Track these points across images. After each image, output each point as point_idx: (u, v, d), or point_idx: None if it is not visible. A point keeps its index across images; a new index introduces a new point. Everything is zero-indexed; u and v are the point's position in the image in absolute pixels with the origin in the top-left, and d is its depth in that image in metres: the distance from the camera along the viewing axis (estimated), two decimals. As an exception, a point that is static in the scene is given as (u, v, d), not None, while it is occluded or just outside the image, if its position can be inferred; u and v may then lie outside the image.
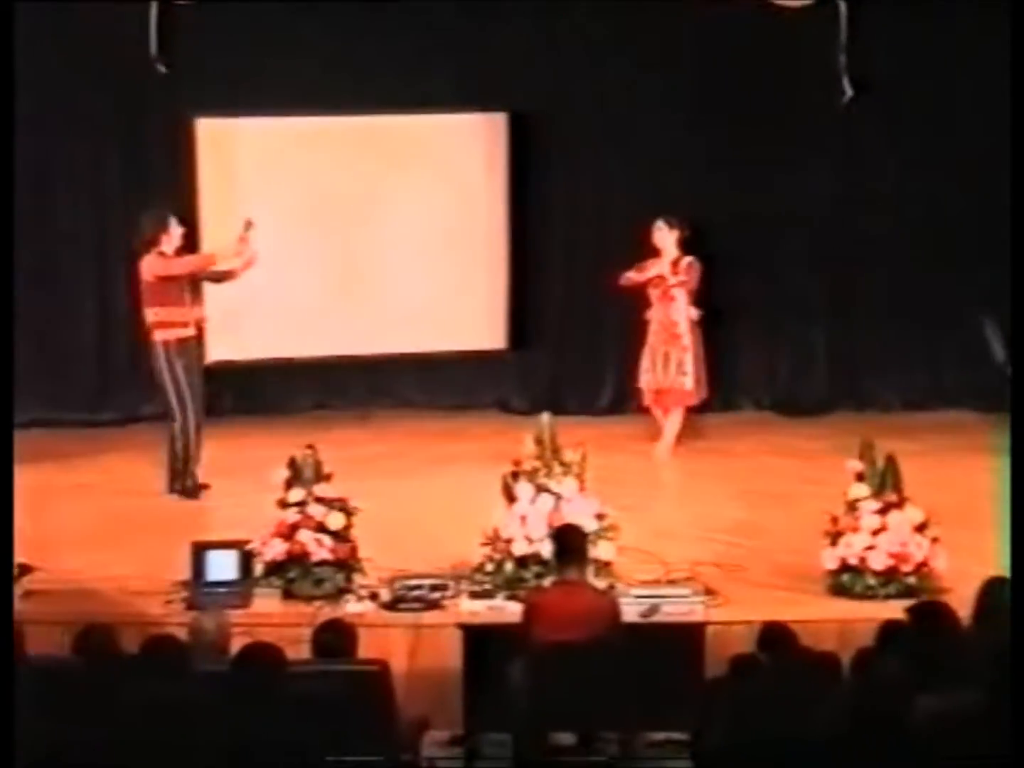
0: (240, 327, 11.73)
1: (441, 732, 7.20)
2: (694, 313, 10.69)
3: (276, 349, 11.71)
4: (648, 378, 10.73)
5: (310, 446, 8.17)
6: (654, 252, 10.77)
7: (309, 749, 5.65)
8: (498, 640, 7.46)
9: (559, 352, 12.19)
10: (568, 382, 12.10)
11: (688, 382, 10.62)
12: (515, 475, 8.08)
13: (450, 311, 11.80)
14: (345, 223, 11.73)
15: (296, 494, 8.06)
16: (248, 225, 10.06)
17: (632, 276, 10.66)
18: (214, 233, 11.63)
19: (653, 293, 10.71)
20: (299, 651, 6.85)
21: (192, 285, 10.05)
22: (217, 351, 11.71)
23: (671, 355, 10.65)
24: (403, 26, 11.50)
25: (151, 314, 9.95)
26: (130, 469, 10.34)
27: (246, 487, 9.28)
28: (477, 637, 7.67)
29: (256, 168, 11.66)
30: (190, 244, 10.32)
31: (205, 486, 10.10)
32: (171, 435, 10.02)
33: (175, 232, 9.97)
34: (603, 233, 11.99)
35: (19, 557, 7.99)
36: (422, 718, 6.83)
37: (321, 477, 8.12)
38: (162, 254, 9.94)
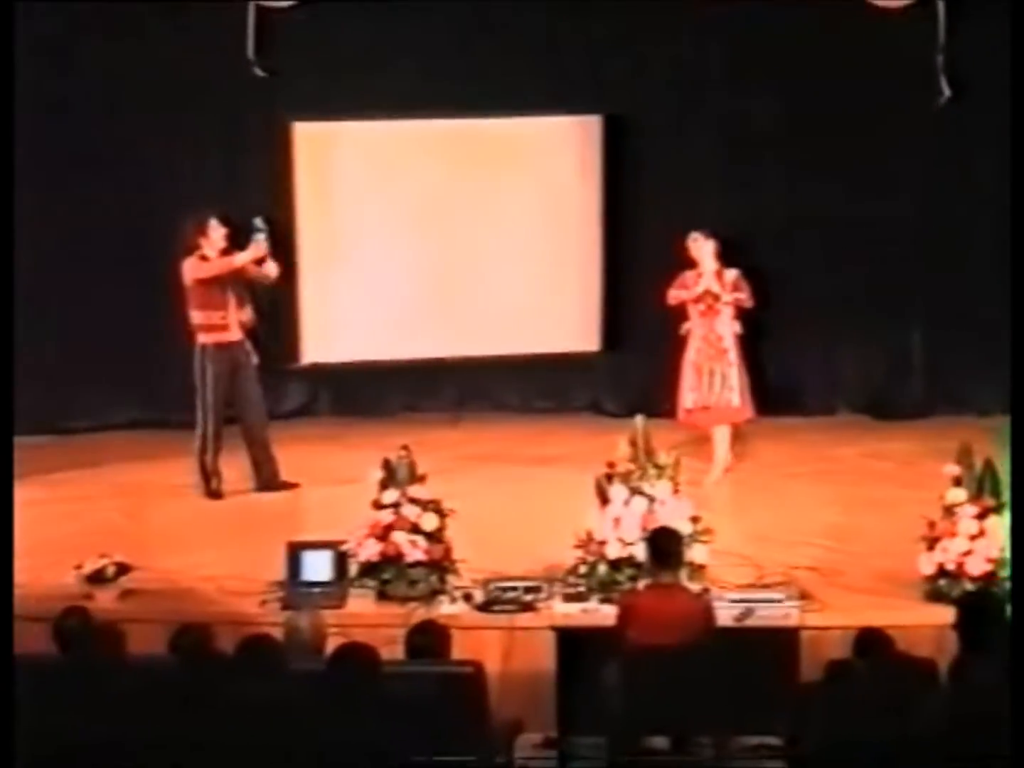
0: (335, 330, 11.82)
1: (534, 734, 7.20)
2: (738, 327, 10.34)
3: (371, 351, 11.77)
4: (694, 396, 10.28)
5: (404, 447, 8.19)
6: (690, 264, 10.48)
7: (403, 750, 5.67)
8: (592, 643, 7.44)
9: (653, 354, 12.13)
10: (661, 385, 12.05)
11: (735, 398, 10.26)
12: (609, 477, 8.06)
13: (544, 313, 11.80)
14: (440, 226, 11.76)
15: (390, 495, 8.09)
16: (258, 227, 10.02)
17: (680, 295, 10.32)
18: (310, 236, 11.74)
19: (696, 308, 10.31)
20: (393, 652, 6.87)
21: (237, 289, 10.08)
22: (312, 353, 11.82)
23: (716, 371, 10.28)
24: (499, 29, 11.52)
25: (195, 317, 10.03)
26: (227, 470, 10.41)
27: (341, 488, 9.33)
28: (570, 640, 7.66)
29: (352, 172, 11.73)
30: (239, 246, 10.30)
31: (293, 485, 10.16)
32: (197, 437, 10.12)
33: (215, 234, 10.00)
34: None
35: (117, 556, 8.10)
36: (516, 720, 6.82)
37: (415, 478, 8.14)
38: (203, 257, 10.01)
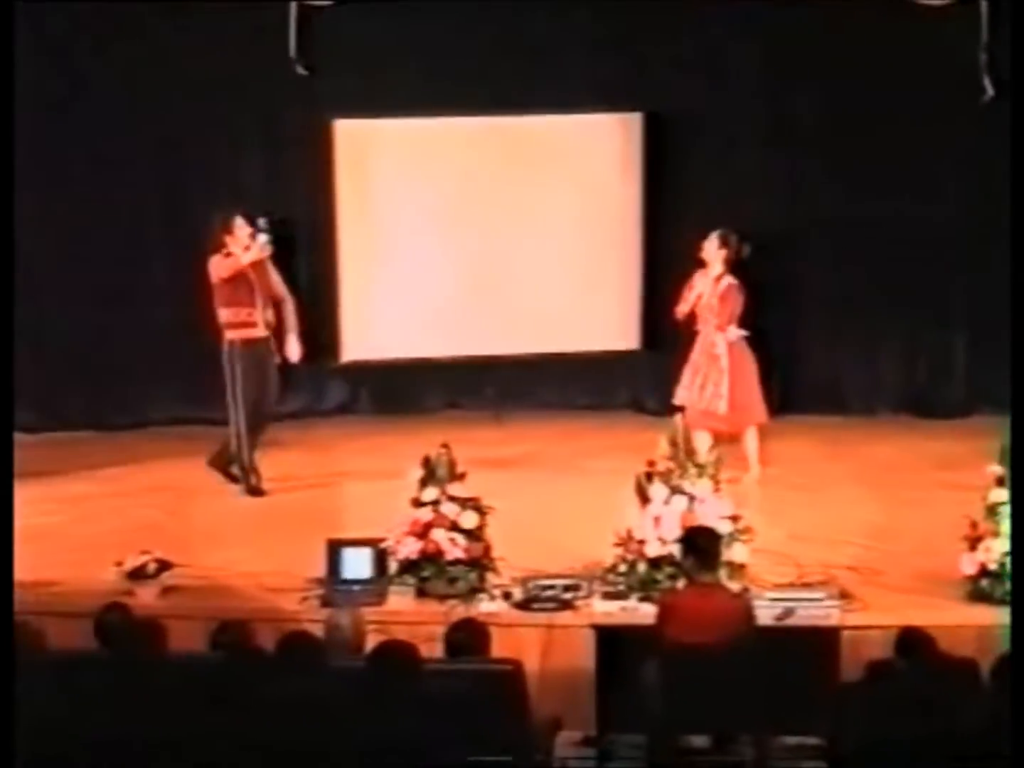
0: (375, 327, 11.84)
1: (574, 733, 7.19)
2: (733, 335, 10.14)
3: (411, 349, 11.78)
4: (684, 395, 10.13)
5: (444, 445, 8.19)
6: (700, 264, 10.41)
7: (442, 748, 5.67)
8: (631, 641, 7.43)
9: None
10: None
11: (722, 405, 10.05)
12: (649, 476, 8.04)
13: (584, 312, 11.79)
14: (480, 224, 11.77)
15: (430, 493, 8.09)
16: (260, 227, 10.04)
17: (682, 309, 10.22)
18: (350, 234, 11.76)
19: (700, 311, 10.22)
20: (432, 649, 6.88)
21: (265, 287, 10.11)
22: (353, 351, 11.84)
23: (710, 376, 10.13)
24: (539, 27, 11.51)
25: (221, 314, 10.06)
26: (268, 466, 10.45)
27: (381, 485, 9.34)
28: (610, 638, 7.65)
29: (392, 169, 11.75)
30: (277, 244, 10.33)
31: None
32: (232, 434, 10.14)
33: (241, 232, 10.02)
34: (737, 233, 11.91)
35: (158, 552, 8.13)
36: (555, 718, 6.82)
37: (455, 476, 8.14)
38: (228, 255, 10.04)
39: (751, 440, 10.20)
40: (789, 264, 12.00)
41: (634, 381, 12.16)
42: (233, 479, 10.13)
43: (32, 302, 11.71)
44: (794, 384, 12.06)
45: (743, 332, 10.19)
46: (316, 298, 11.91)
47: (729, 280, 10.22)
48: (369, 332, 11.83)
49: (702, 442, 9.80)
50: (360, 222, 11.77)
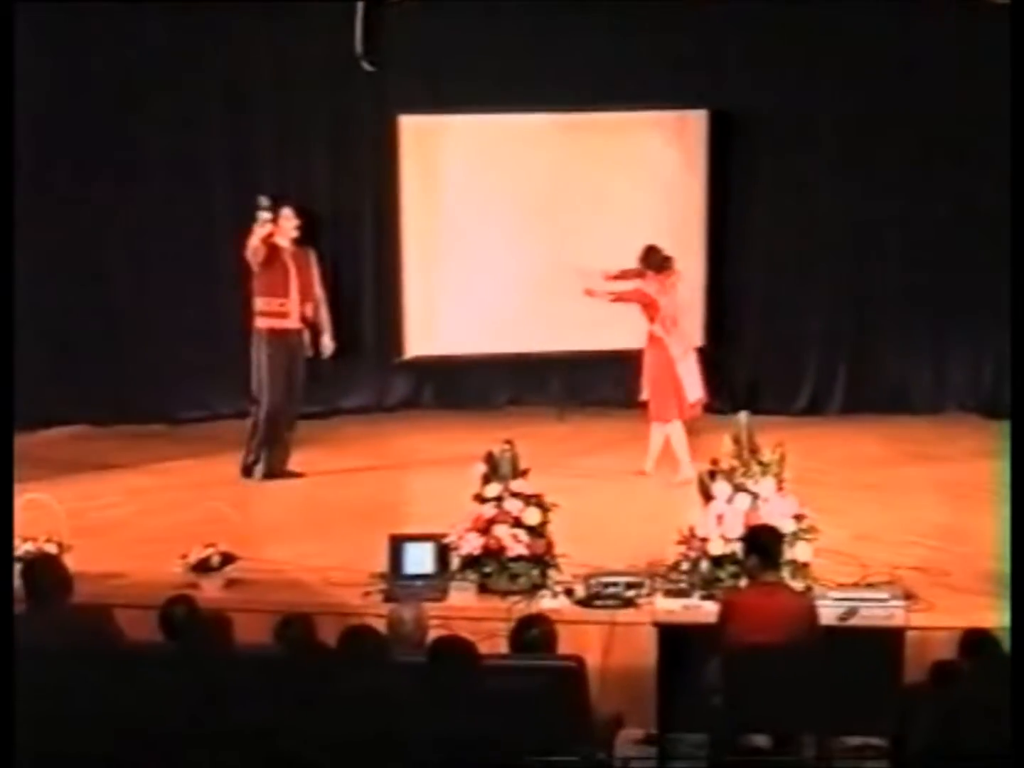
0: (440, 323, 11.86)
1: (635, 730, 7.17)
2: (655, 329, 10.33)
3: (475, 345, 11.80)
4: (696, 391, 10.41)
5: (508, 441, 8.20)
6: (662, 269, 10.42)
7: (502, 744, 5.66)
8: (693, 639, 7.40)
9: (757, 351, 12.09)
10: (766, 381, 12.00)
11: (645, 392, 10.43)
12: (712, 474, 8.01)
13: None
14: (545, 220, 11.77)
15: (493, 489, 8.09)
16: (260, 203, 10.08)
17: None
18: (415, 230, 11.79)
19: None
20: (494, 645, 6.89)
21: (303, 281, 10.18)
22: (417, 347, 11.87)
23: (691, 369, 10.41)
24: (606, 23, 11.50)
25: (255, 303, 10.17)
26: (332, 461, 10.50)
27: (444, 481, 9.36)
28: (672, 636, 7.61)
29: (458, 165, 11.77)
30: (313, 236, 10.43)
31: (299, 474, 10.27)
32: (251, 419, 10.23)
33: (288, 224, 10.09)
34: (804, 233, 11.88)
35: (223, 546, 8.18)
36: (617, 716, 6.81)
37: (518, 472, 8.14)
38: (263, 243, 10.10)
39: (676, 436, 10.26)
40: (857, 263, 11.95)
41: (698, 379, 12.13)
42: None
43: (103, 300, 11.85)
44: (861, 384, 12.01)
45: (657, 327, 10.26)
46: (381, 294, 11.97)
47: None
48: (434, 328, 11.86)
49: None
50: (426, 218, 11.80)
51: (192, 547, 8.18)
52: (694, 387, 10.35)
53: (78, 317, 11.82)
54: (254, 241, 10.07)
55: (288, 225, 10.14)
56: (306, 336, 10.28)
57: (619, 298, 10.38)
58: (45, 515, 8.29)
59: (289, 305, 10.15)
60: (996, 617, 7.34)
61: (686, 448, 10.19)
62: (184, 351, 11.82)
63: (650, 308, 10.31)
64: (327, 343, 10.36)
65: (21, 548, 8.08)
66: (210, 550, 8.14)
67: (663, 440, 10.33)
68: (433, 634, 6.78)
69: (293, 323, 10.18)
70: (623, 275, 10.45)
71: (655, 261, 10.35)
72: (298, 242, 10.24)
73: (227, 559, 8.15)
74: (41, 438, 11.58)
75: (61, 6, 11.12)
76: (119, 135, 11.58)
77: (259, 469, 10.27)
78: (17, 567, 7.45)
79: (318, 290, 10.34)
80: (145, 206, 11.72)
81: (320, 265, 10.47)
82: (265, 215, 10.06)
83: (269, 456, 10.30)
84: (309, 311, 10.25)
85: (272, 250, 10.08)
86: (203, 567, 8.09)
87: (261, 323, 10.15)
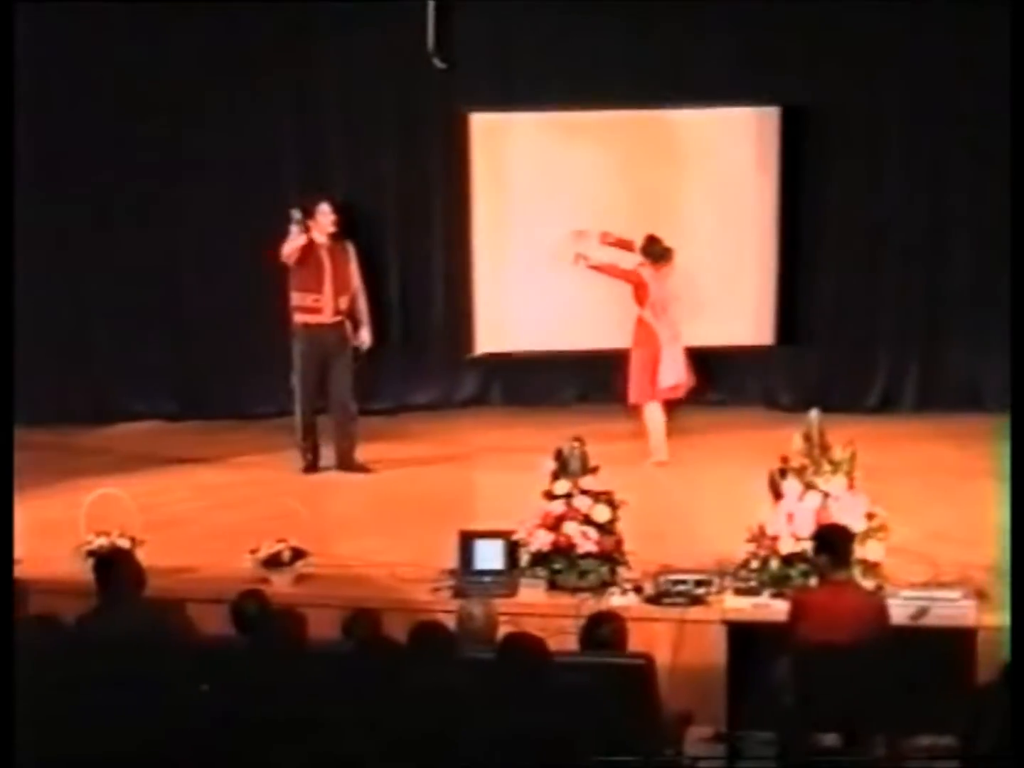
0: (509, 320, 11.87)
1: (704, 728, 7.16)
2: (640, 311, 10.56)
3: (544, 342, 11.80)
4: (674, 376, 10.60)
5: (577, 438, 8.19)
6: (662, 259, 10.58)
7: (572, 741, 5.67)
8: (763, 638, 7.39)
9: (828, 348, 12.02)
10: (836, 379, 11.92)
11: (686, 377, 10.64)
12: (782, 472, 7.98)
13: (719, 305, 11.70)
14: (614, 217, 11.73)
15: (562, 486, 8.10)
16: (294, 217, 10.21)
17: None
18: (485, 226, 11.79)
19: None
20: (563, 642, 6.89)
21: (338, 275, 10.25)
22: (486, 343, 11.88)
23: (677, 357, 10.58)
24: (674, 19, 11.46)
25: (292, 298, 10.28)
26: (400, 456, 10.54)
27: (513, 477, 9.37)
28: (741, 634, 7.60)
29: (527, 162, 11.76)
30: (352, 232, 10.52)
31: (369, 469, 10.35)
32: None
33: (324, 219, 10.21)
34: (876, 229, 11.81)
35: (293, 541, 8.22)
36: (686, 713, 6.79)
37: (587, 469, 8.14)
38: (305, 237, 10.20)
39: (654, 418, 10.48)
40: (928, 260, 11.86)
41: (768, 376, 12.09)
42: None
43: (173, 294, 11.94)
44: (933, 381, 11.92)
45: (647, 312, 10.47)
46: (450, 291, 11.98)
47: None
48: (502, 325, 11.86)
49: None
50: (495, 215, 11.80)
51: (262, 542, 8.23)
52: (672, 372, 10.49)
53: (150, 313, 11.91)
54: (287, 249, 10.20)
55: (325, 220, 10.23)
56: (348, 329, 10.34)
57: (604, 271, 10.63)
58: (118, 509, 8.37)
59: (323, 300, 10.22)
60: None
61: (663, 431, 10.48)
62: (254, 346, 11.87)
63: (640, 291, 10.50)
64: (364, 336, 10.47)
65: (95, 543, 8.17)
66: (280, 545, 8.19)
67: (662, 421, 10.50)
68: (502, 631, 6.80)
69: (327, 318, 10.25)
70: (620, 243, 10.71)
71: (655, 252, 10.55)
72: (335, 237, 10.30)
73: (297, 554, 8.20)
74: (114, 433, 11.69)
75: (121, 5, 11.24)
76: (187, 134, 11.66)
77: (313, 462, 10.34)
78: (89, 562, 7.55)
79: (356, 283, 10.42)
80: (215, 204, 11.79)
81: (360, 259, 10.55)
82: (295, 228, 10.18)
83: (336, 450, 10.39)
84: (344, 305, 10.31)
85: (307, 246, 10.16)
86: (273, 562, 8.14)
87: (298, 319, 10.24)
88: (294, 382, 10.37)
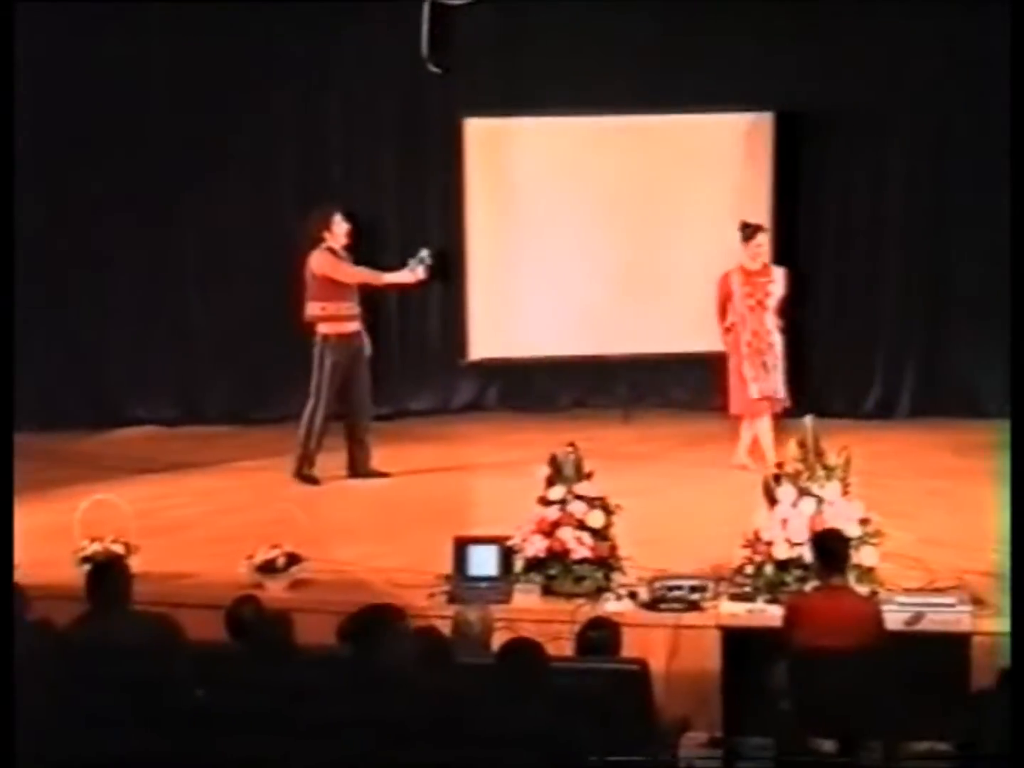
0: (505, 325, 11.88)
1: (700, 734, 7.15)
2: (780, 322, 10.43)
3: (541, 347, 11.81)
4: (758, 386, 10.42)
5: (572, 444, 8.20)
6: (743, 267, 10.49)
7: (568, 746, 5.67)
8: (758, 643, 7.38)
9: (825, 354, 12.04)
10: (834, 384, 11.94)
11: (783, 389, 10.42)
12: (777, 478, 7.98)
13: (715, 312, 11.70)
14: (612, 223, 11.77)
15: (557, 491, 8.10)
16: (423, 260, 10.24)
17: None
18: (481, 232, 11.81)
19: (745, 303, 10.46)
20: (558, 648, 6.89)
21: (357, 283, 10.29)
22: (481, 349, 11.89)
23: (768, 364, 10.38)
24: (674, 26, 11.48)
25: (317, 308, 10.20)
26: (398, 462, 10.53)
27: (508, 483, 9.38)
28: (737, 639, 7.60)
29: (524, 168, 11.78)
30: (359, 241, 10.46)
31: (384, 474, 10.31)
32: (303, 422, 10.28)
33: (339, 229, 10.17)
34: (871, 235, 11.83)
35: (289, 546, 8.22)
36: (682, 719, 6.80)
37: (582, 475, 8.14)
38: (331, 250, 10.19)
39: (767, 430, 10.33)
40: (925, 265, 11.87)
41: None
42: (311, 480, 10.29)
43: (175, 299, 11.95)
44: (930, 387, 11.93)
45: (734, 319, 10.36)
46: (447, 296, 12.00)
47: (783, 269, 10.46)
48: (499, 330, 11.88)
49: (766, 428, 10.37)
50: (492, 221, 11.83)
51: (259, 548, 8.23)
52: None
53: (149, 320, 11.92)
54: (391, 278, 10.30)
55: (340, 231, 10.21)
56: (366, 337, 10.35)
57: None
58: (114, 515, 8.37)
59: (354, 308, 10.22)
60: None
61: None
62: (253, 352, 11.90)
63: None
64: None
65: (89, 549, 8.17)
66: (276, 551, 8.19)
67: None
68: (498, 636, 6.80)
69: (356, 326, 10.25)
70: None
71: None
72: (349, 247, 10.30)
73: (292, 560, 8.19)
74: (112, 439, 11.70)
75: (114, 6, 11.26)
76: (188, 138, 11.67)
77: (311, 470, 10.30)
78: (85, 568, 7.55)
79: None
80: (213, 208, 11.82)
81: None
82: (341, 227, 10.17)
83: (350, 457, 10.37)
84: (361, 311, 10.32)
85: (333, 257, 10.16)
86: (269, 568, 8.14)
87: (327, 329, 10.20)
88: (318, 391, 10.25)
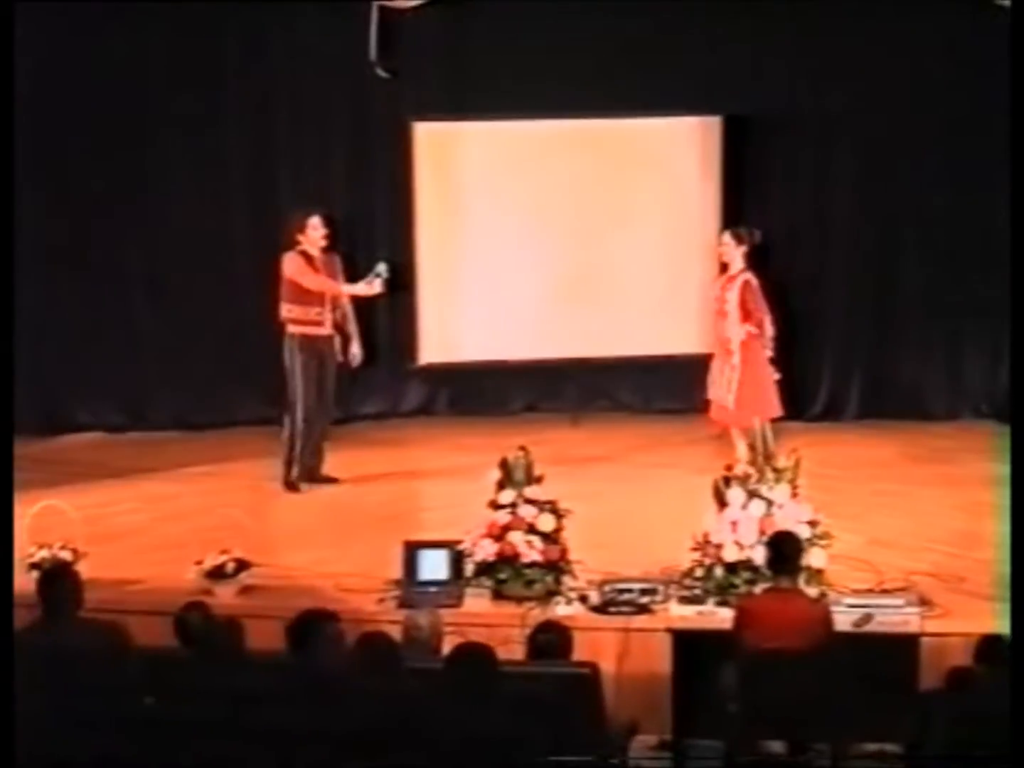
0: (454, 329, 11.87)
1: (649, 737, 7.18)
2: (742, 332, 10.08)
3: (490, 352, 11.80)
4: (711, 390, 10.25)
5: (522, 448, 8.20)
6: (722, 268, 10.38)
7: (518, 749, 5.67)
8: (708, 646, 7.41)
9: (772, 357, 12.06)
10: (781, 388, 11.96)
11: (731, 400, 10.05)
12: (727, 480, 8.01)
13: (666, 315, 11.77)
14: (561, 227, 11.77)
15: (507, 495, 8.10)
16: (379, 274, 10.23)
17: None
18: (430, 236, 11.79)
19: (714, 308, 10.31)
20: (509, 651, 6.89)
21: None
22: (430, 353, 11.87)
23: (724, 371, 10.16)
24: (620, 30, 11.50)
25: (285, 309, 10.16)
26: (348, 467, 10.51)
27: (458, 487, 9.37)
28: (687, 642, 7.62)
29: (474, 172, 11.77)
30: (336, 245, 10.43)
31: (334, 479, 10.30)
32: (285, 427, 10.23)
33: (315, 233, 10.13)
34: (819, 238, 11.88)
35: (238, 552, 8.19)
36: (631, 722, 6.81)
37: (532, 479, 8.14)
38: (303, 254, 10.14)
39: (767, 434, 10.08)
40: (871, 268, 11.93)
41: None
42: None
43: (121, 303, 11.87)
44: (877, 389, 11.99)
45: (752, 328, 10.10)
46: (395, 300, 11.97)
47: (746, 276, 10.16)
48: (448, 335, 11.86)
49: (736, 436, 10.11)
50: (441, 225, 11.81)
51: (208, 554, 8.20)
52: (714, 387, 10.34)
53: (95, 323, 11.84)
54: (354, 289, 10.25)
55: (316, 234, 10.16)
56: (336, 343, 10.31)
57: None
58: (61, 521, 8.32)
59: (324, 313, 10.18)
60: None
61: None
62: (201, 357, 11.84)
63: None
64: (356, 352, 10.37)
65: (37, 555, 8.11)
66: (224, 557, 8.15)
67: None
68: (448, 641, 6.79)
69: (326, 330, 10.21)
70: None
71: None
72: (326, 250, 10.26)
73: (241, 566, 8.16)
74: (59, 445, 11.62)
75: (79, 6, 11.17)
76: (134, 137, 11.60)
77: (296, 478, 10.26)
78: (33, 574, 7.49)
79: (345, 298, 10.36)
80: (161, 210, 11.75)
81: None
82: (317, 232, 10.12)
83: (304, 463, 10.29)
84: (339, 318, 10.28)
85: (307, 260, 10.13)
86: (217, 574, 8.10)
87: (295, 330, 10.16)
88: (295, 393, 10.18)
